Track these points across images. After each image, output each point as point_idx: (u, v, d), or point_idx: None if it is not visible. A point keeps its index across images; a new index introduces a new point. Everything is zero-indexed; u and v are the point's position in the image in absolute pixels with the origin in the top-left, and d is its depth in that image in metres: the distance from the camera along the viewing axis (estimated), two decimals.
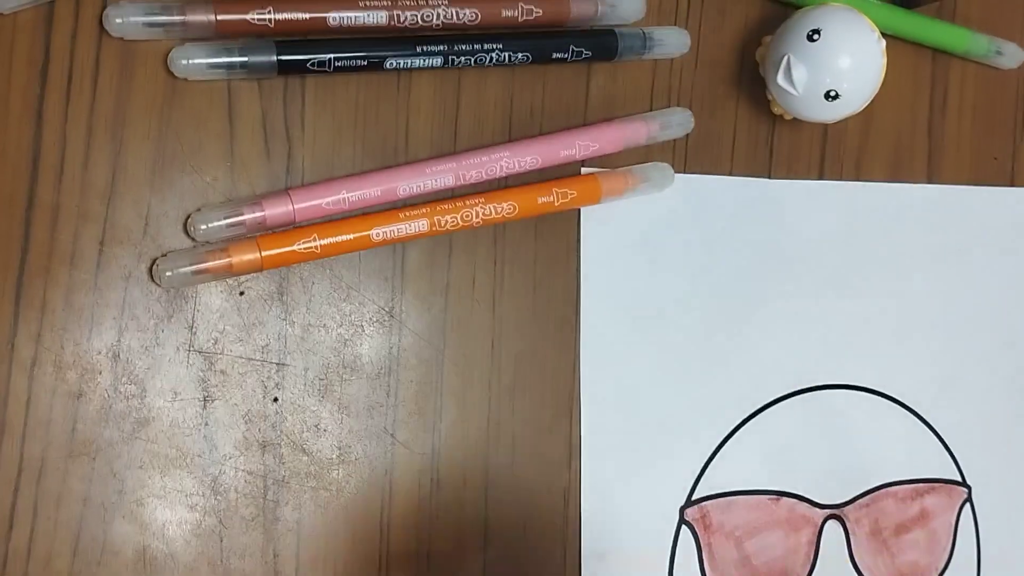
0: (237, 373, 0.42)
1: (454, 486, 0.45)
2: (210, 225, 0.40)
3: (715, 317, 0.49)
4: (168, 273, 0.39)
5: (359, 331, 0.43)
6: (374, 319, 0.44)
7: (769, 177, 0.49)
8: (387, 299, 0.44)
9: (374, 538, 0.43)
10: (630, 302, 0.48)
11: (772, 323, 0.50)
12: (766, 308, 0.50)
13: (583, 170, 0.46)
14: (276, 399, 0.42)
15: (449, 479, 0.45)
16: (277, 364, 0.42)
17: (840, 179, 0.50)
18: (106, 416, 0.40)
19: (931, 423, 0.52)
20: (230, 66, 0.40)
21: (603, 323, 0.47)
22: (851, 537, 0.51)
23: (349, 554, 0.43)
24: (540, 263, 0.46)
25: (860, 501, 0.51)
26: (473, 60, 0.43)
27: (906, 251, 0.52)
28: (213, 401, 0.41)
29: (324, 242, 0.41)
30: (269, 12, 0.40)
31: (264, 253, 0.40)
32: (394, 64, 0.42)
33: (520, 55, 0.43)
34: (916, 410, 0.52)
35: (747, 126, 0.49)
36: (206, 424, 0.41)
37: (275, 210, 0.41)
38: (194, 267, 0.39)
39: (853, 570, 0.51)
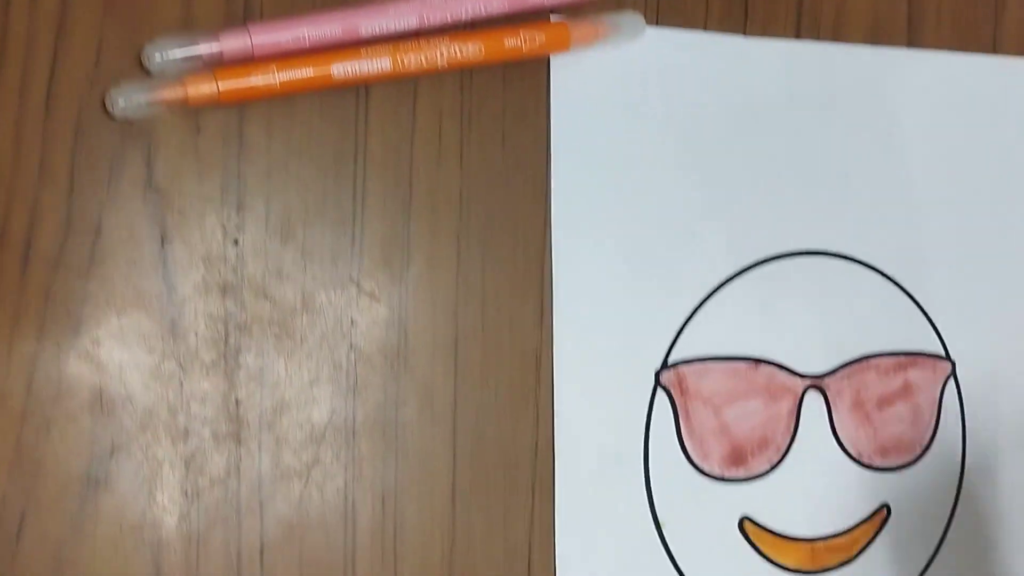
0: (196, 213, 0.40)
1: (422, 340, 0.43)
2: (165, 55, 0.38)
3: (690, 178, 0.48)
4: (121, 102, 0.38)
5: (321, 176, 0.42)
6: (336, 165, 0.42)
7: (744, 35, 0.48)
8: (350, 146, 0.42)
9: (341, 387, 0.42)
10: (602, 159, 0.46)
11: (751, 186, 0.49)
12: (743, 171, 0.48)
13: (552, 18, 0.45)
14: (236, 241, 0.41)
15: (417, 333, 0.43)
16: (237, 206, 0.41)
17: (817, 39, 0.49)
18: (59, 253, 0.39)
19: (914, 296, 0.51)
20: None
21: (574, 179, 0.46)
22: (832, 409, 0.50)
23: (313, 403, 0.42)
24: (509, 114, 0.45)
25: (842, 372, 0.50)
26: None
27: (885, 117, 0.50)
28: (171, 241, 0.40)
29: (283, 76, 0.40)
30: None
31: (221, 85, 0.39)
32: None
33: None
34: (899, 282, 0.51)
35: None
36: (164, 264, 0.40)
37: (232, 44, 0.39)
38: (148, 96, 0.38)
39: (835, 442, 0.50)
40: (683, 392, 0.47)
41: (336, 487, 0.42)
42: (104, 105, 0.39)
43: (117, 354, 0.39)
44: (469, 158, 0.44)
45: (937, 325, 0.51)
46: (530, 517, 0.44)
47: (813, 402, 0.49)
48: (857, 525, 0.50)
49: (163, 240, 0.40)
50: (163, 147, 0.40)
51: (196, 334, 0.40)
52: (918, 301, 0.51)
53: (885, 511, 0.50)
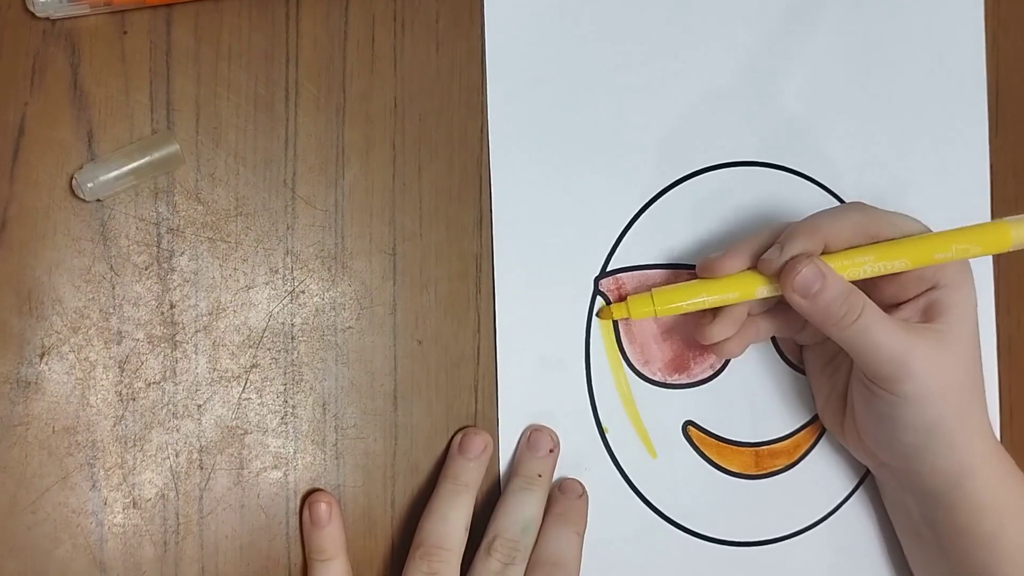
0: (124, 115, 0.39)
1: (360, 245, 0.42)
2: None
3: (626, 86, 0.47)
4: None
5: (252, 80, 0.41)
6: (267, 69, 0.41)
7: None
8: (281, 50, 0.41)
9: (278, 292, 0.41)
10: (538, 66, 0.45)
11: (685, 96, 0.48)
12: (677, 80, 0.48)
13: None
14: None
15: (354, 238, 0.42)
16: (167, 109, 0.40)
17: None
18: None
19: (846, 201, 0.51)
20: None
21: (510, 86, 0.45)
22: None
23: (250, 306, 0.41)
24: (443, 21, 0.43)
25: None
26: None
27: (823, 27, 0.50)
28: (99, 143, 0.39)
29: None
30: None
31: None
32: None
33: None
34: (838, 193, 0.50)
35: None
36: (91, 162, 0.39)
37: None
38: None
39: (775, 350, 0.49)
40: (622, 299, 0.47)
41: (275, 391, 0.41)
42: (24, 2, 0.37)
43: (45, 255, 0.38)
44: (403, 65, 0.43)
45: None
46: (473, 418, 0.43)
47: None
48: (799, 430, 0.49)
49: (90, 142, 0.39)
50: (88, 49, 0.38)
51: (127, 236, 0.39)
52: None
53: None
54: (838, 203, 0.50)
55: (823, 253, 0.42)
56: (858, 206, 0.43)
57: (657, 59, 0.47)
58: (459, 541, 0.41)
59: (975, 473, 0.42)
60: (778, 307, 0.45)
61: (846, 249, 0.42)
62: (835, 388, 0.46)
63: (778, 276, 0.41)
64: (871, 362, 0.41)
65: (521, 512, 0.42)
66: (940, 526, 0.44)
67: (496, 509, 0.42)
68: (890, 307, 0.43)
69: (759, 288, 0.42)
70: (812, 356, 0.47)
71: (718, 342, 0.44)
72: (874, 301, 0.42)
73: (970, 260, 0.43)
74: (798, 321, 0.45)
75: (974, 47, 0.52)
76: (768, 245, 0.43)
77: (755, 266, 0.43)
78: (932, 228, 0.43)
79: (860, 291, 0.41)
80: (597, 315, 0.45)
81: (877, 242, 0.42)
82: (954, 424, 0.42)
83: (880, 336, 0.40)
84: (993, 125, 0.51)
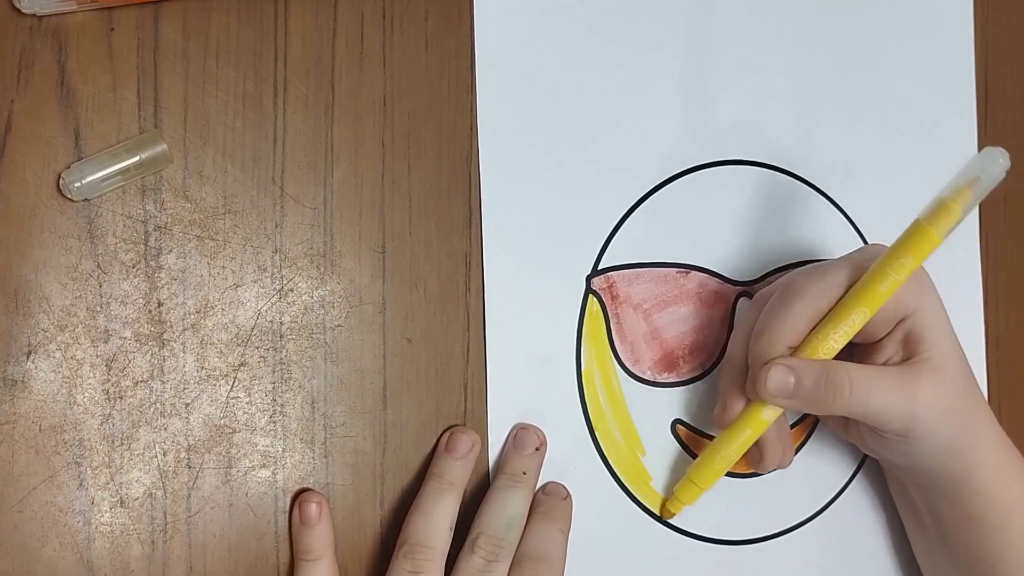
0: (111, 112, 0.38)
1: (349, 243, 0.42)
2: None
3: (617, 83, 0.47)
4: None
5: (240, 77, 0.40)
6: (256, 66, 0.40)
7: None
8: (270, 47, 0.41)
9: (266, 290, 0.40)
10: (527, 64, 0.45)
11: (679, 93, 0.48)
12: (671, 77, 0.48)
13: None
14: None
15: (343, 236, 0.42)
16: (154, 106, 0.39)
17: None
18: None
19: (841, 205, 0.50)
20: None
21: (500, 83, 0.44)
22: None
23: (238, 305, 0.40)
24: (432, 18, 0.43)
25: (772, 279, 0.49)
26: None
27: (811, 24, 0.50)
28: (86, 141, 0.38)
29: None
30: None
31: None
32: None
33: None
34: (826, 192, 0.50)
35: None
36: (79, 160, 0.38)
37: None
38: None
39: None
40: (614, 297, 0.46)
41: (264, 389, 0.40)
42: (12, 2, 0.37)
43: (32, 253, 0.37)
44: (392, 62, 0.43)
45: (864, 235, 0.51)
46: (463, 416, 0.43)
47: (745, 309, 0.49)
48: (789, 427, 0.49)
49: (77, 139, 0.38)
50: (75, 46, 0.38)
51: (114, 234, 0.38)
52: (844, 210, 0.50)
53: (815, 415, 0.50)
54: (828, 202, 0.50)
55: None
56: (786, 297, 0.42)
57: (646, 56, 0.47)
58: (443, 540, 0.40)
59: (981, 466, 0.42)
60: None
61: (809, 333, 0.42)
62: None
63: (753, 393, 0.42)
64: (879, 423, 0.41)
65: (505, 509, 0.41)
66: (944, 517, 0.44)
67: (481, 506, 0.42)
68: (870, 347, 0.43)
69: (764, 413, 0.43)
70: None
71: (780, 463, 0.45)
72: (855, 355, 0.42)
73: (924, 268, 0.42)
74: None
75: (963, 43, 0.52)
76: (744, 368, 0.43)
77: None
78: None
79: (840, 364, 0.41)
80: (662, 516, 0.46)
81: (827, 314, 0.41)
82: (962, 435, 0.42)
83: (878, 399, 0.40)
84: (982, 121, 0.51)
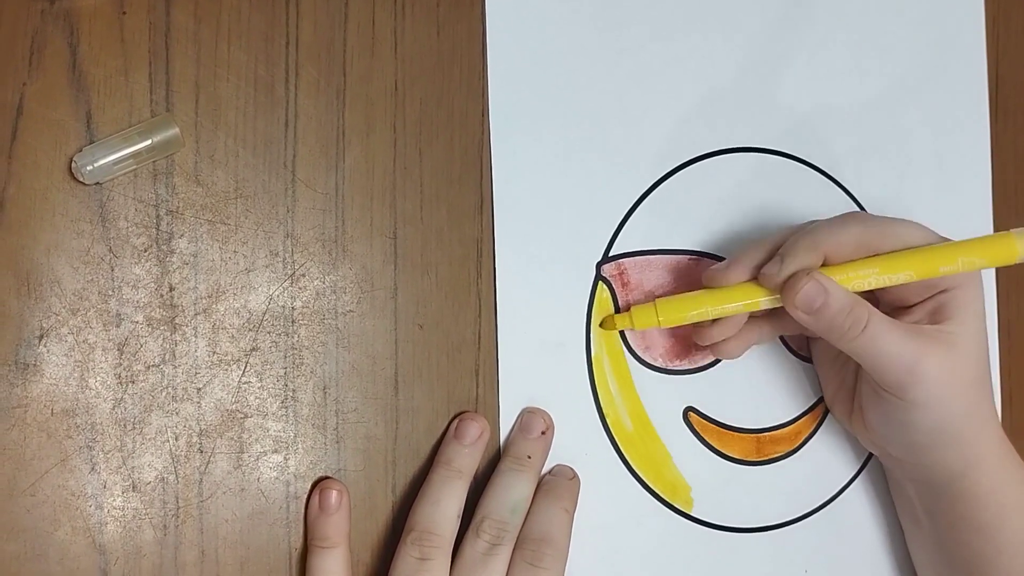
0: (123, 96, 0.38)
1: (361, 229, 0.41)
2: None
3: (628, 69, 0.46)
4: None
5: (251, 60, 0.40)
6: (266, 50, 0.40)
7: None
8: (281, 31, 0.40)
9: (278, 274, 0.40)
10: (539, 50, 0.45)
11: (691, 80, 0.47)
12: (682, 64, 0.47)
13: None
14: None
15: (355, 221, 0.41)
16: (166, 90, 0.39)
17: None
18: None
19: (852, 193, 0.50)
20: None
21: (511, 69, 0.44)
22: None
23: (250, 289, 0.40)
24: (444, 4, 0.43)
25: None
26: None
27: (822, 12, 0.50)
28: (98, 125, 0.38)
29: None
30: None
31: None
32: None
33: None
34: (838, 179, 0.50)
35: None
36: (91, 143, 0.38)
37: None
38: None
39: (778, 338, 0.49)
40: (624, 284, 0.46)
41: (276, 374, 0.40)
42: None
43: (44, 236, 0.37)
44: (404, 47, 0.42)
45: None
46: (474, 402, 0.43)
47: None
48: (800, 416, 0.48)
49: (89, 122, 0.38)
50: (87, 29, 0.38)
51: (126, 218, 0.38)
52: (856, 198, 0.50)
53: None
54: (840, 190, 0.49)
55: (823, 265, 0.41)
56: (859, 217, 0.42)
57: (658, 44, 0.47)
58: (451, 527, 0.40)
59: (979, 465, 0.42)
60: (782, 310, 0.44)
61: (850, 262, 0.41)
62: (844, 381, 0.46)
63: (779, 291, 0.41)
64: (879, 370, 0.41)
65: (509, 493, 0.41)
66: (939, 516, 0.44)
67: (485, 490, 0.42)
68: (897, 309, 0.43)
69: (762, 300, 0.42)
70: (820, 349, 0.47)
71: (717, 343, 0.44)
72: (881, 304, 0.42)
73: None
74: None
75: (975, 34, 0.51)
76: (770, 255, 0.42)
77: (756, 278, 0.42)
78: (933, 224, 0.42)
79: (865, 301, 0.40)
80: (600, 325, 0.44)
81: (879, 254, 0.41)
82: (962, 423, 0.41)
83: (887, 345, 0.40)
84: (994, 113, 0.51)
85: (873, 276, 0.41)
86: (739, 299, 0.42)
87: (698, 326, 0.44)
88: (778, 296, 0.41)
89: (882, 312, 0.41)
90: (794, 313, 0.40)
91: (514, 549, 0.41)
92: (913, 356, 0.40)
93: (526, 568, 0.40)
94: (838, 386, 0.46)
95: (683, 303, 0.43)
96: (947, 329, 0.40)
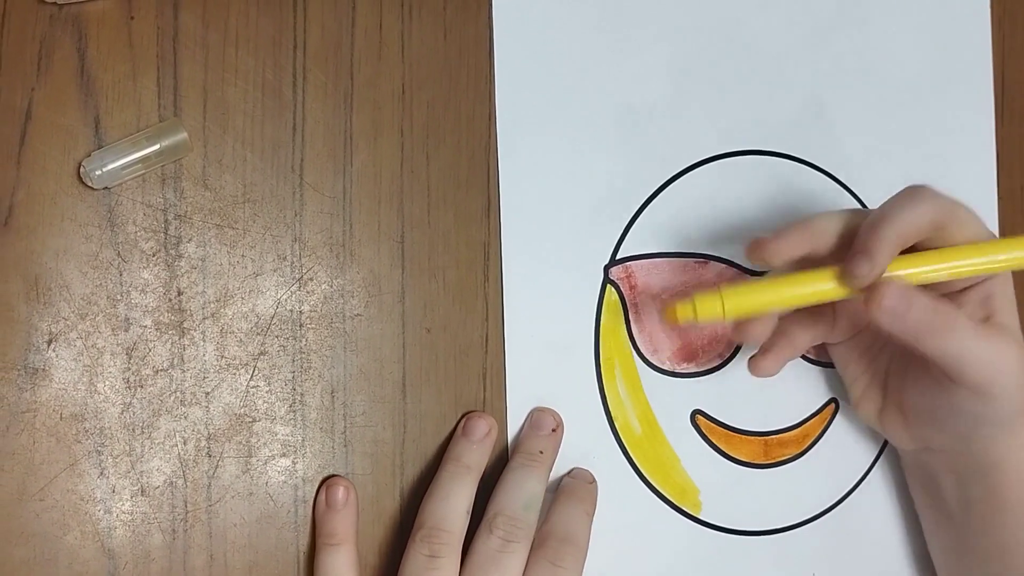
0: (131, 101, 0.38)
1: (368, 232, 0.41)
2: None
3: (635, 73, 0.46)
4: None
5: (259, 65, 0.40)
6: (274, 54, 0.40)
7: None
8: (289, 36, 0.40)
9: (286, 278, 0.40)
10: (546, 53, 0.45)
11: (699, 83, 0.47)
12: (690, 67, 0.47)
13: None
14: None
15: (362, 225, 0.41)
16: (174, 94, 0.39)
17: None
18: None
19: (859, 195, 0.50)
20: None
21: (518, 73, 0.44)
22: None
23: (258, 293, 0.40)
24: (451, 8, 0.43)
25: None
26: None
27: (829, 13, 0.50)
28: (106, 130, 0.38)
29: None
30: None
31: None
32: None
33: None
34: (844, 182, 0.50)
35: None
36: (99, 148, 0.38)
37: None
38: None
39: None
40: (632, 287, 0.46)
41: (284, 378, 0.40)
42: None
43: (52, 241, 0.37)
44: (411, 51, 0.42)
45: None
46: (482, 406, 0.42)
47: None
48: (808, 419, 0.48)
49: (97, 127, 0.38)
50: (95, 34, 0.38)
51: (134, 223, 0.38)
52: (863, 200, 0.50)
53: (834, 405, 0.49)
54: (846, 192, 0.49)
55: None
56: (925, 194, 0.41)
57: (664, 46, 0.46)
58: (460, 524, 0.40)
59: (1021, 449, 0.42)
60: (815, 313, 0.43)
61: (922, 255, 0.40)
62: (875, 378, 0.45)
63: (864, 296, 0.39)
64: (963, 369, 0.40)
65: (523, 489, 0.41)
66: (977, 505, 0.43)
67: (496, 487, 0.41)
68: (948, 295, 0.42)
69: (839, 291, 0.40)
70: (844, 350, 0.46)
71: (757, 361, 0.43)
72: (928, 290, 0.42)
73: None
74: (831, 326, 0.45)
75: (980, 36, 0.51)
76: (822, 232, 0.41)
77: (841, 275, 0.40)
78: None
79: (948, 303, 0.40)
80: (662, 317, 0.42)
81: (947, 247, 0.40)
82: (1021, 411, 0.41)
83: (973, 347, 0.39)
84: (999, 114, 0.51)
85: (946, 270, 0.40)
86: (812, 283, 0.40)
87: (740, 322, 0.42)
88: (876, 323, 0.39)
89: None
90: (878, 319, 0.39)
91: (535, 547, 0.40)
92: (995, 355, 0.40)
93: (547, 567, 0.39)
94: (867, 384, 0.46)
95: (752, 293, 0.40)
96: (1003, 321, 0.41)
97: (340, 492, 0.39)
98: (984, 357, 0.40)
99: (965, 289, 0.42)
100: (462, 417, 0.42)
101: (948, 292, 0.42)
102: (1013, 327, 0.41)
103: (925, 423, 0.44)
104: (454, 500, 0.40)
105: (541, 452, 0.42)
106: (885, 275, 0.39)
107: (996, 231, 0.51)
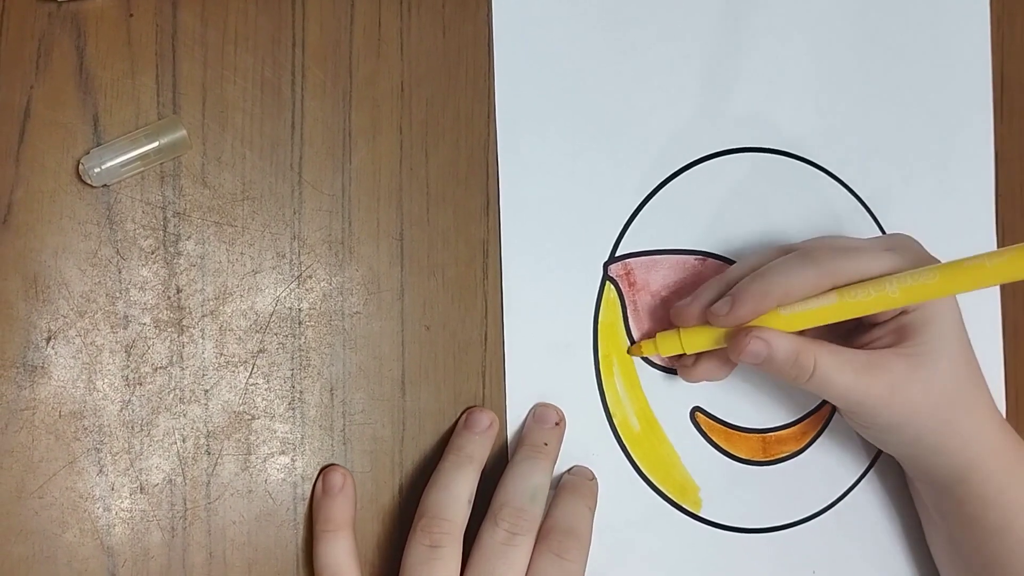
0: (130, 98, 0.38)
1: (367, 230, 0.41)
2: None
3: (634, 70, 0.46)
4: None
5: (258, 63, 0.40)
6: (273, 52, 0.40)
7: None
8: (287, 34, 0.40)
9: (285, 276, 0.40)
10: (545, 50, 0.45)
11: (699, 80, 0.47)
12: (688, 65, 0.47)
13: None
14: None
15: (361, 223, 0.41)
16: (172, 92, 0.39)
17: None
18: None
19: (858, 193, 0.50)
20: None
21: (518, 70, 0.44)
22: None
23: (257, 291, 0.40)
24: (450, 5, 0.43)
25: None
26: None
27: (829, 12, 0.50)
28: (105, 127, 0.38)
29: None
30: None
31: None
32: None
33: None
34: (843, 179, 0.50)
35: None
36: (98, 146, 0.38)
37: None
38: None
39: None
40: (631, 284, 0.46)
41: (283, 376, 0.40)
42: None
43: (51, 239, 0.37)
44: (410, 48, 0.42)
45: (881, 222, 0.50)
46: (481, 403, 0.42)
47: None
48: (806, 416, 0.48)
49: (96, 125, 0.38)
50: (94, 31, 0.37)
51: (133, 220, 0.38)
52: (861, 198, 0.50)
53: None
54: (844, 190, 0.49)
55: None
56: (813, 257, 0.41)
57: (664, 43, 0.46)
58: (462, 513, 0.39)
59: (980, 468, 0.42)
60: None
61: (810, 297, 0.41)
62: None
63: (728, 342, 0.42)
64: (838, 403, 0.42)
65: (527, 480, 0.40)
66: (950, 516, 0.43)
67: (501, 479, 0.41)
68: (868, 326, 0.43)
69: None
70: None
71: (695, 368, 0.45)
72: (844, 326, 0.42)
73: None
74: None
75: (979, 34, 0.51)
76: (734, 283, 0.42)
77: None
78: (936, 224, 0.43)
79: (812, 344, 0.41)
80: (628, 352, 0.45)
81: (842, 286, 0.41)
82: (941, 433, 0.42)
83: (839, 385, 0.41)
84: (998, 113, 0.51)
85: (831, 312, 0.41)
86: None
87: (682, 363, 0.45)
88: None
89: (850, 331, 0.42)
90: (739, 361, 0.41)
91: (538, 540, 0.40)
92: (863, 391, 0.41)
93: (552, 559, 0.39)
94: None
95: (704, 335, 0.43)
96: (908, 350, 0.41)
97: (337, 477, 0.39)
98: (853, 395, 0.41)
99: (887, 320, 0.43)
100: (463, 412, 0.42)
101: (872, 322, 0.43)
102: (931, 352, 0.41)
103: (873, 442, 0.46)
104: (455, 489, 0.39)
105: (546, 444, 0.42)
106: (756, 322, 0.41)
107: (994, 229, 0.51)
